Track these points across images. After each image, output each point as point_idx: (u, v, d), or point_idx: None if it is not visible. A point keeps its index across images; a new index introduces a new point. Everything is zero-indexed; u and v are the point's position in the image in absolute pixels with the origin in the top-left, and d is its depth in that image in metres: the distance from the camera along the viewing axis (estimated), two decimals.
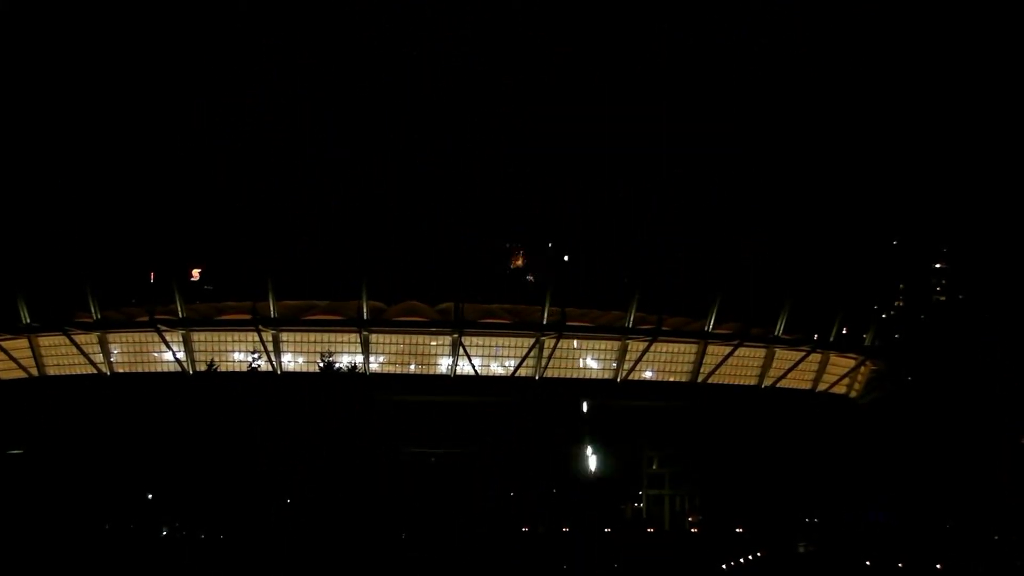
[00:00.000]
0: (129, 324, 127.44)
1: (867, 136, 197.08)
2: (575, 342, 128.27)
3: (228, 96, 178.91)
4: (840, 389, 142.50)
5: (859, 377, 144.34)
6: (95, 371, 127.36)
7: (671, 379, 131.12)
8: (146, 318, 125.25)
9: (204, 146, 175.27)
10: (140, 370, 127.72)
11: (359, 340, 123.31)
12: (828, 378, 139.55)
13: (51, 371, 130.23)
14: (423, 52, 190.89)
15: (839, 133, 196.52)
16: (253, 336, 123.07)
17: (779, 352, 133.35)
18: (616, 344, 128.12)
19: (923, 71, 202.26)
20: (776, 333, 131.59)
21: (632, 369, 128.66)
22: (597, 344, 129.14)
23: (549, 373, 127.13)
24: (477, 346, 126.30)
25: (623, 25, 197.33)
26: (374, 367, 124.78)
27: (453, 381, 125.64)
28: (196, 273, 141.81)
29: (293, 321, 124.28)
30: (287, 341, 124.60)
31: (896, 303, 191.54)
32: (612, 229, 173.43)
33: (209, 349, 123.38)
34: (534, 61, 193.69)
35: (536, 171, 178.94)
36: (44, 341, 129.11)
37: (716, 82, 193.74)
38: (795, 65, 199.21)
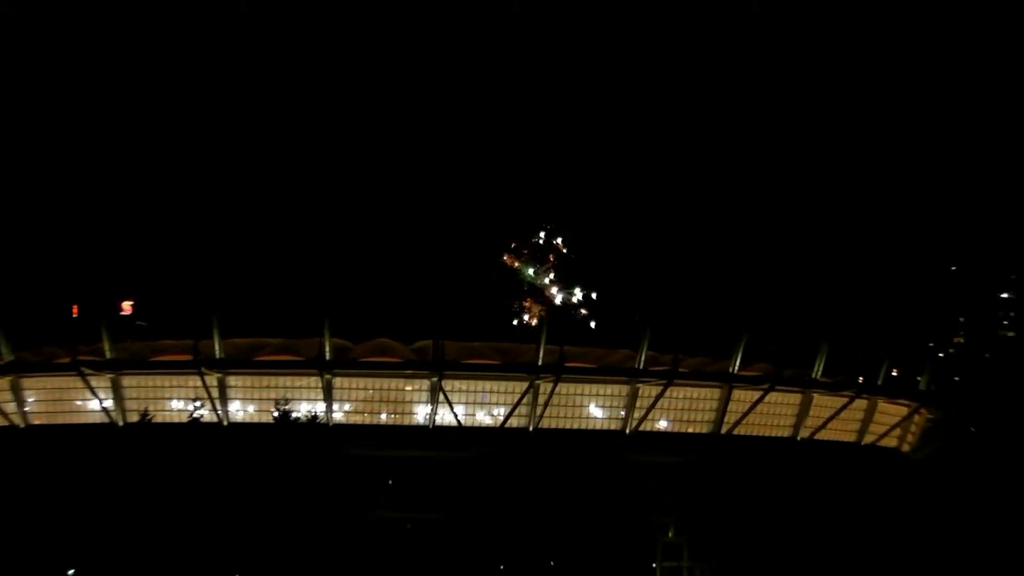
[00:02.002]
0: (47, 367, 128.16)
1: (922, 149, 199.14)
2: (576, 386, 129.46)
3: (160, 97, 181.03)
4: (890, 442, 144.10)
5: (912, 427, 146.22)
6: (6, 423, 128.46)
7: (690, 430, 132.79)
8: (67, 359, 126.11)
9: (135, 156, 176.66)
10: (60, 421, 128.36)
11: (320, 384, 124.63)
12: (876, 428, 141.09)
13: None
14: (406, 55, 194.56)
15: (889, 145, 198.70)
16: (195, 380, 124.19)
17: (817, 398, 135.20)
18: (624, 388, 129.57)
19: (986, 77, 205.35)
20: (814, 375, 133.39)
21: (644, 418, 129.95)
22: (602, 388, 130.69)
23: (545, 423, 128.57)
24: (460, 391, 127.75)
25: (627, 30, 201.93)
26: (338, 416, 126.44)
27: (432, 433, 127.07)
28: (127, 306, 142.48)
29: (242, 362, 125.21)
30: (235, 386, 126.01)
31: (956, 340, 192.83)
32: (618, 252, 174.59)
33: (143, 396, 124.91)
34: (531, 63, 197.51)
35: (530, 187, 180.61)
36: None
37: (748, 81, 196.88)
38: (840, 72, 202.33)
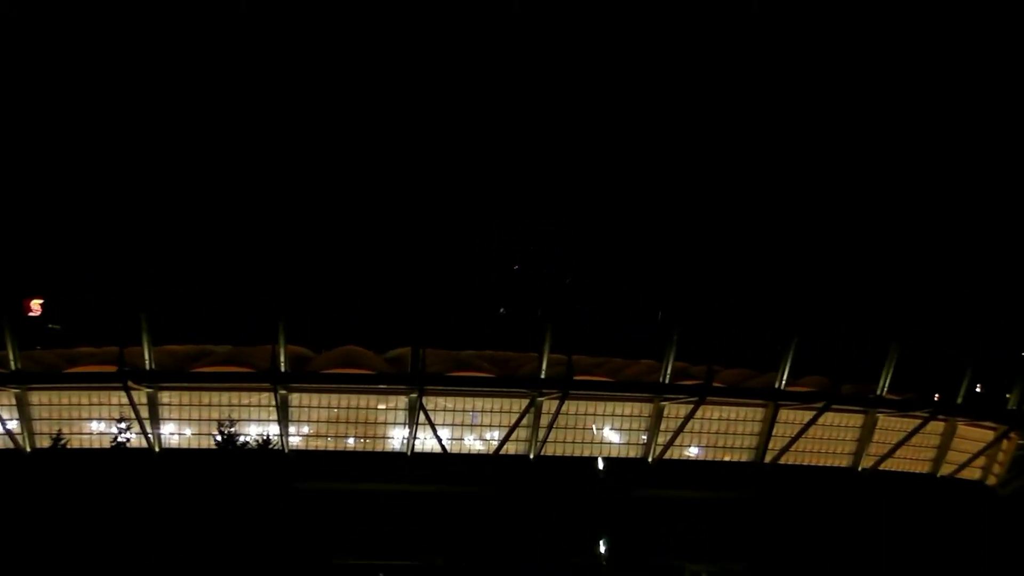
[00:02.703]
0: None
1: (996, 121, 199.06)
2: (587, 404, 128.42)
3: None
4: (973, 473, 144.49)
5: (1000, 455, 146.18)
6: None
7: (726, 458, 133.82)
8: None
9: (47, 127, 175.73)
10: None
11: (274, 402, 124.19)
12: (955, 457, 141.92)
13: None
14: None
15: (959, 118, 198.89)
16: (120, 396, 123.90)
17: (883, 419, 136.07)
18: (647, 407, 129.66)
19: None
20: (878, 392, 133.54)
21: (670, 443, 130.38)
22: (619, 407, 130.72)
23: (549, 449, 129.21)
24: (445, 410, 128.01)
25: (629, 30, 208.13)
26: (295, 441, 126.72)
27: (410, 461, 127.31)
28: (36, 305, 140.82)
29: (178, 374, 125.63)
30: (169, 404, 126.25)
31: None
32: (638, 240, 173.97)
33: (55, 416, 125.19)
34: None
35: (531, 180, 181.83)
36: None
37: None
38: (862, 69, 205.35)
